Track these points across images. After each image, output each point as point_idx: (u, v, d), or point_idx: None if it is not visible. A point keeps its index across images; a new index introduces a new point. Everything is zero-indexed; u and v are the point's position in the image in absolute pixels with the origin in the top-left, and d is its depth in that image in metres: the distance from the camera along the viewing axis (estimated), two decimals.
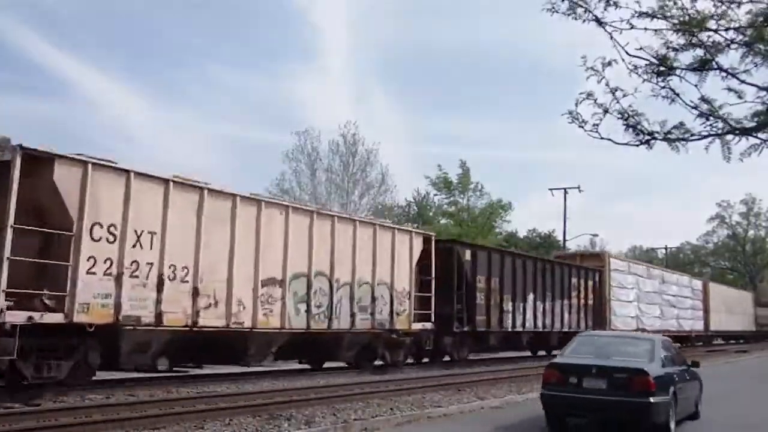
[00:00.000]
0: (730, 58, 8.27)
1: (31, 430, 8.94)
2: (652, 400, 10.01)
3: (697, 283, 48.20)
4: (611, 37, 8.21)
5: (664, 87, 8.41)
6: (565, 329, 27.98)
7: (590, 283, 31.45)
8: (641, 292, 36.30)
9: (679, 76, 8.40)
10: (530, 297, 26.32)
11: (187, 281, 13.89)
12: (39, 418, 9.76)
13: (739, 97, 8.25)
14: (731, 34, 8.05)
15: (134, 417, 9.88)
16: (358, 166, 46.42)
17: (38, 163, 11.56)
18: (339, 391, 13.91)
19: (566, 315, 28.85)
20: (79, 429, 9.20)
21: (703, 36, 8.04)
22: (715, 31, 8.00)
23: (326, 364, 19.92)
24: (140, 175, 13.11)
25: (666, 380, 10.57)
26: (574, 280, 29.81)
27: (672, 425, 10.54)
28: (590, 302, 31.05)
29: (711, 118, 8.38)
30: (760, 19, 7.83)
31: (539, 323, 26.89)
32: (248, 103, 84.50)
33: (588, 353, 11.20)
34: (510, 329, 25.00)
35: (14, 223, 11.04)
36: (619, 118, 8.53)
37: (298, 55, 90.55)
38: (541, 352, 28.86)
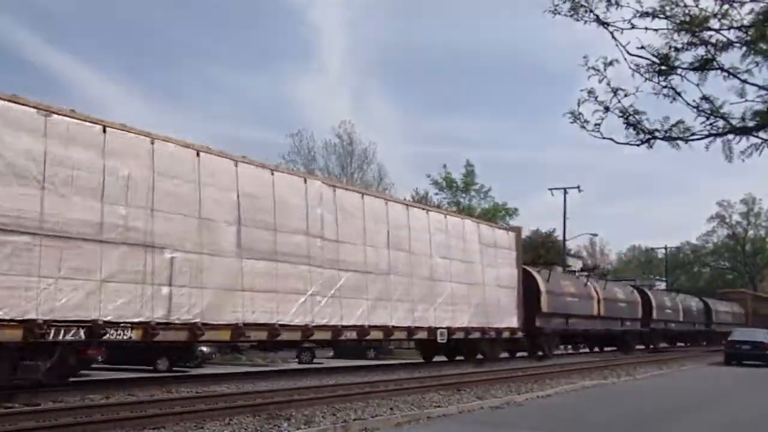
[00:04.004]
0: (731, 57, 8.25)
1: (31, 430, 8.92)
2: (767, 352, 29.58)
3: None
4: (613, 37, 8.19)
5: (665, 86, 8.39)
6: None
7: None
8: None
9: (680, 75, 8.37)
10: None
11: None
12: (39, 418, 9.76)
13: (741, 95, 8.23)
14: (733, 34, 8.04)
15: (134, 417, 9.85)
16: (355, 165, 46.48)
17: None
18: (339, 391, 13.89)
19: None
20: (79, 429, 9.17)
21: (705, 35, 8.01)
22: (717, 30, 7.99)
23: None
24: None
25: None
26: None
27: None
28: None
29: (712, 117, 8.36)
30: (762, 17, 7.80)
31: None
32: (246, 102, 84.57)
33: (742, 336, 30.67)
34: None
35: None
36: (620, 116, 8.51)
37: (296, 55, 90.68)
38: None
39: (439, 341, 21.72)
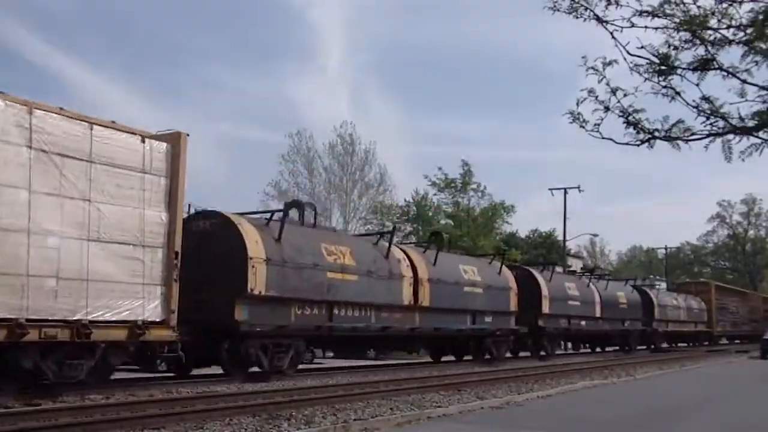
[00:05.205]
0: (731, 57, 8.26)
1: (31, 430, 8.92)
2: None
3: None
4: (612, 36, 8.19)
5: (665, 86, 8.39)
6: None
7: None
8: None
9: (680, 75, 8.38)
10: None
11: None
12: (39, 418, 9.74)
13: (741, 95, 8.24)
14: (732, 33, 8.04)
15: (134, 417, 9.84)
16: (356, 165, 46.49)
17: None
18: (339, 391, 13.89)
19: None
20: (79, 429, 9.17)
21: (705, 34, 8.02)
22: (717, 29, 7.99)
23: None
24: None
25: None
26: None
27: None
28: None
29: (712, 117, 8.36)
30: (761, 17, 7.80)
31: None
32: (246, 102, 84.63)
33: None
34: None
35: None
36: (620, 116, 8.51)
37: (296, 55, 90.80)
38: None
39: None
